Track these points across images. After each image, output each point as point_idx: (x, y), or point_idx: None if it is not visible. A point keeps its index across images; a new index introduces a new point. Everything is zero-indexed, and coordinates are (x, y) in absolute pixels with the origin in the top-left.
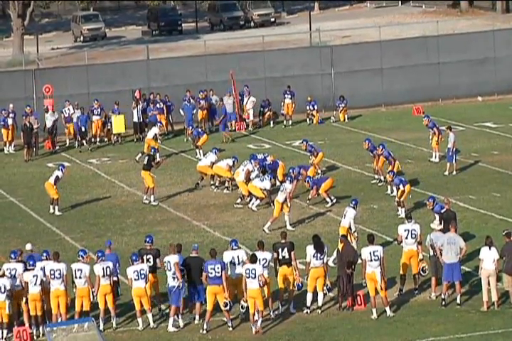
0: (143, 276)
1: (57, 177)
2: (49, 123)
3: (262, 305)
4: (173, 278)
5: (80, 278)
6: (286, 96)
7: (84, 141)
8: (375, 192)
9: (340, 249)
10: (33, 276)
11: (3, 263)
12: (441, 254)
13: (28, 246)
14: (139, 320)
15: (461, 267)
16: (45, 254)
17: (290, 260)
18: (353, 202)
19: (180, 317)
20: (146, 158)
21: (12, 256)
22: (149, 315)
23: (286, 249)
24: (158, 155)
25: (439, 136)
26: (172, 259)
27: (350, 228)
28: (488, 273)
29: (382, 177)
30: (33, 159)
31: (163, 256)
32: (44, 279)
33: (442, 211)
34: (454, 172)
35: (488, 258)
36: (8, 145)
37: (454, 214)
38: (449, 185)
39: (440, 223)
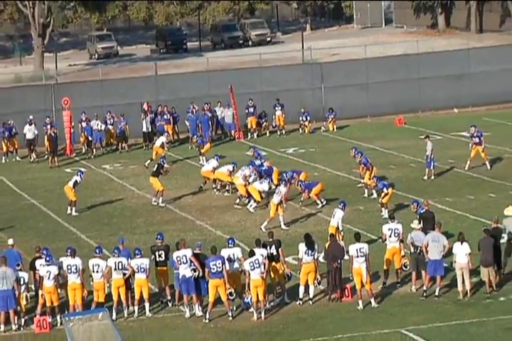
0: (143, 270)
1: (75, 181)
2: (30, 135)
3: (262, 295)
4: (194, 269)
5: (97, 272)
6: (276, 108)
7: (89, 149)
8: (361, 194)
9: (327, 246)
10: (47, 272)
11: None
12: (426, 252)
13: (10, 241)
14: (136, 308)
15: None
16: (69, 251)
17: (278, 256)
18: (342, 204)
19: (195, 306)
20: (156, 165)
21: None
22: (146, 305)
23: (273, 247)
24: (165, 162)
25: (482, 146)
26: (187, 253)
27: (338, 227)
28: (461, 266)
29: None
30: (58, 166)
31: (171, 252)
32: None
33: (422, 211)
34: (432, 177)
35: (461, 252)
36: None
37: (433, 214)
38: (427, 189)
39: (419, 223)
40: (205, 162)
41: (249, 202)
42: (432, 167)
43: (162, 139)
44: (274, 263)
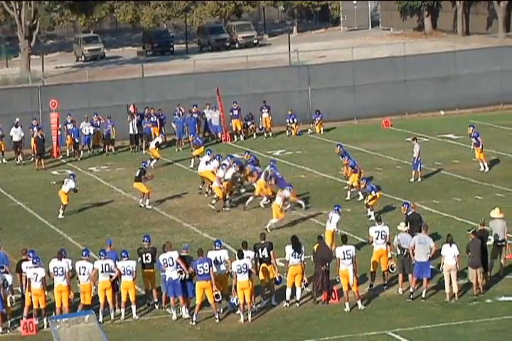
0: (129, 272)
1: (71, 187)
2: (17, 138)
3: (249, 297)
4: (180, 271)
5: (84, 274)
6: (263, 111)
7: (76, 151)
8: (345, 197)
9: (315, 249)
10: (34, 274)
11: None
12: (413, 254)
13: None
14: (122, 310)
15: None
16: (62, 253)
17: (269, 258)
18: (336, 208)
19: (182, 308)
20: (138, 170)
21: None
22: (133, 307)
23: (265, 249)
24: (152, 163)
25: (480, 147)
26: (174, 255)
27: (334, 232)
28: (450, 268)
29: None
30: (45, 168)
31: (158, 254)
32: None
33: (408, 214)
34: (419, 179)
35: (449, 254)
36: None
37: (419, 216)
38: (414, 191)
39: (406, 225)
40: (192, 164)
41: (225, 200)
42: (418, 169)
43: (158, 139)
44: (265, 265)
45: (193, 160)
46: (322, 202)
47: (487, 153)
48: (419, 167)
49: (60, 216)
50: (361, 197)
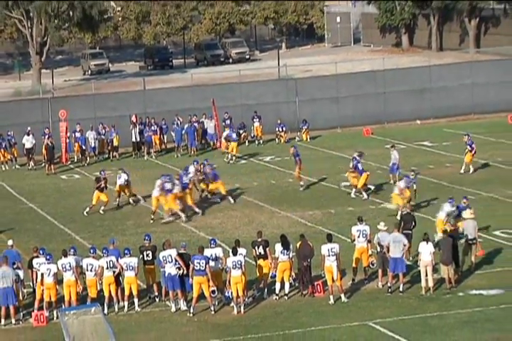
0: (131, 268)
1: (125, 179)
2: (28, 145)
3: (242, 291)
4: (178, 268)
5: (91, 271)
6: (254, 120)
7: (83, 157)
8: (333, 199)
9: (298, 246)
10: (47, 269)
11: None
12: (388, 250)
13: (10, 242)
14: (125, 303)
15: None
16: (72, 250)
17: (265, 255)
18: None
19: (180, 301)
20: (95, 179)
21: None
22: (135, 300)
23: (261, 246)
24: (105, 174)
25: (472, 153)
26: (172, 253)
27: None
28: (426, 264)
29: (301, 183)
30: (55, 173)
31: (158, 252)
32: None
33: (403, 213)
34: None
35: (426, 251)
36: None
37: (413, 216)
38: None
39: (400, 223)
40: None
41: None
42: (397, 173)
43: (124, 177)
44: (262, 261)
45: (229, 156)
46: (308, 204)
47: (459, 159)
48: (397, 171)
49: (85, 213)
50: (365, 196)
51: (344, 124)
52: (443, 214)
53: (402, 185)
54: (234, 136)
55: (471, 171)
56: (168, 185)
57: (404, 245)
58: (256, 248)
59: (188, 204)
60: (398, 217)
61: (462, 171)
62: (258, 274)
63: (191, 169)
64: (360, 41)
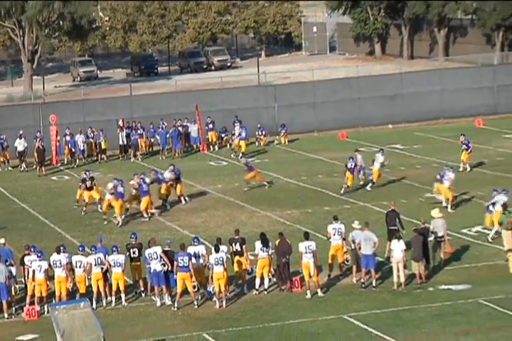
0: (119, 264)
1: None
2: (21, 148)
3: (224, 286)
4: (163, 264)
5: (80, 267)
6: (235, 124)
7: (72, 159)
8: (310, 199)
9: (277, 243)
10: (38, 266)
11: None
12: (359, 248)
13: (2, 240)
14: (113, 298)
15: (376, 257)
16: (61, 248)
17: (242, 252)
18: (505, 192)
19: (165, 296)
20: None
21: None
22: (122, 295)
23: (238, 243)
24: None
25: (468, 152)
26: (157, 250)
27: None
28: (398, 260)
29: (265, 182)
30: (45, 174)
31: (144, 249)
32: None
33: (388, 211)
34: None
35: (397, 248)
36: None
37: (397, 213)
38: (367, 193)
39: (385, 220)
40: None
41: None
42: (362, 174)
43: (110, 185)
44: (238, 258)
45: (240, 155)
46: (286, 204)
47: (429, 161)
48: (362, 172)
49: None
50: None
51: (321, 128)
52: (498, 207)
53: (453, 176)
54: (244, 134)
55: (467, 170)
56: (120, 189)
57: (375, 243)
58: (233, 245)
59: (142, 209)
60: (450, 210)
61: (461, 169)
62: (235, 270)
63: (167, 175)
64: (335, 49)
